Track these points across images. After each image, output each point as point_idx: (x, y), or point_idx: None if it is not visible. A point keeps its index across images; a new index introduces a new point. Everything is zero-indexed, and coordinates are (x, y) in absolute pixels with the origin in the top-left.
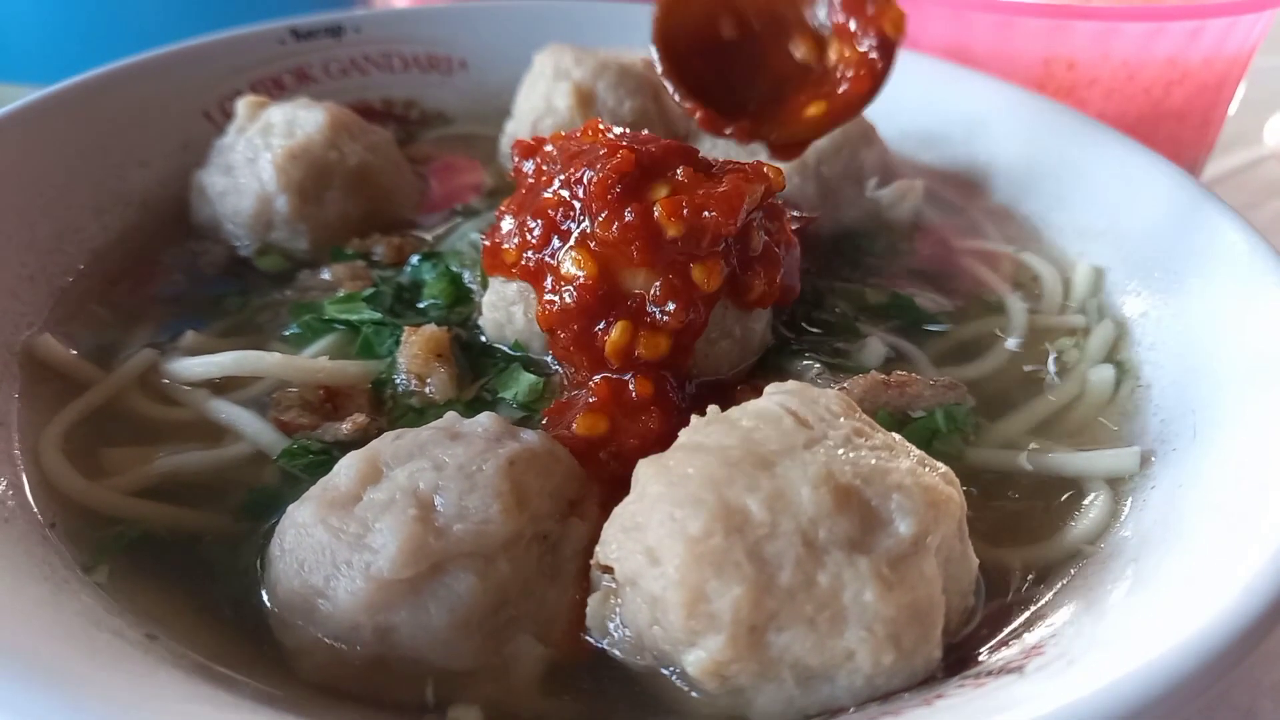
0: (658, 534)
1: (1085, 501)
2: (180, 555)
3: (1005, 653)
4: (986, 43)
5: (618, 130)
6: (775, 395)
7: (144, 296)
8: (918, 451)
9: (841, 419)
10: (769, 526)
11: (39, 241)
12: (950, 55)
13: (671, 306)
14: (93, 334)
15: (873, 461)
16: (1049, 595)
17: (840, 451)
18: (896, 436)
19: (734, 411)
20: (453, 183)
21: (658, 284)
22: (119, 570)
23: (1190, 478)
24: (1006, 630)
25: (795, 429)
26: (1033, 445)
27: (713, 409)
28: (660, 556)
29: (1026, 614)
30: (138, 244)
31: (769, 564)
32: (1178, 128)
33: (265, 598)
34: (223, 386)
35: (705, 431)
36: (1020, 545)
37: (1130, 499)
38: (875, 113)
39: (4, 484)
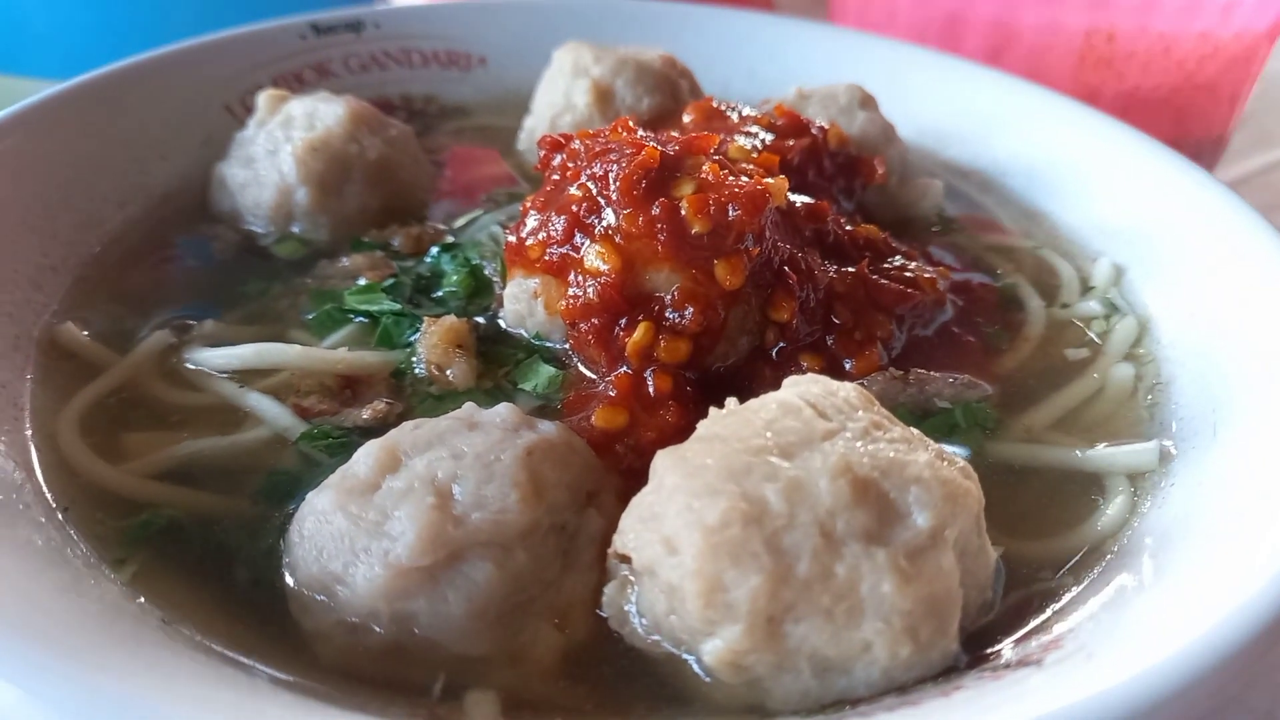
0: (675, 524)
1: (1105, 496)
2: (200, 540)
3: (1024, 645)
4: (1031, 15)
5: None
6: (794, 387)
7: (162, 282)
8: (936, 445)
9: (860, 412)
10: (787, 517)
11: (61, 233)
12: (995, 28)
13: (690, 311)
14: (110, 320)
15: (891, 454)
16: (1068, 589)
17: (859, 444)
18: (915, 430)
19: (753, 403)
20: (470, 173)
21: (676, 288)
22: (144, 560)
23: (1210, 475)
24: (1026, 623)
25: (814, 421)
26: (1053, 440)
27: (731, 401)
28: (678, 546)
29: (1046, 607)
30: (155, 232)
31: (787, 555)
32: (1208, 101)
33: (284, 582)
34: (243, 372)
35: (724, 423)
36: (1040, 539)
37: (1150, 495)
38: (895, 112)
39: (20, 470)
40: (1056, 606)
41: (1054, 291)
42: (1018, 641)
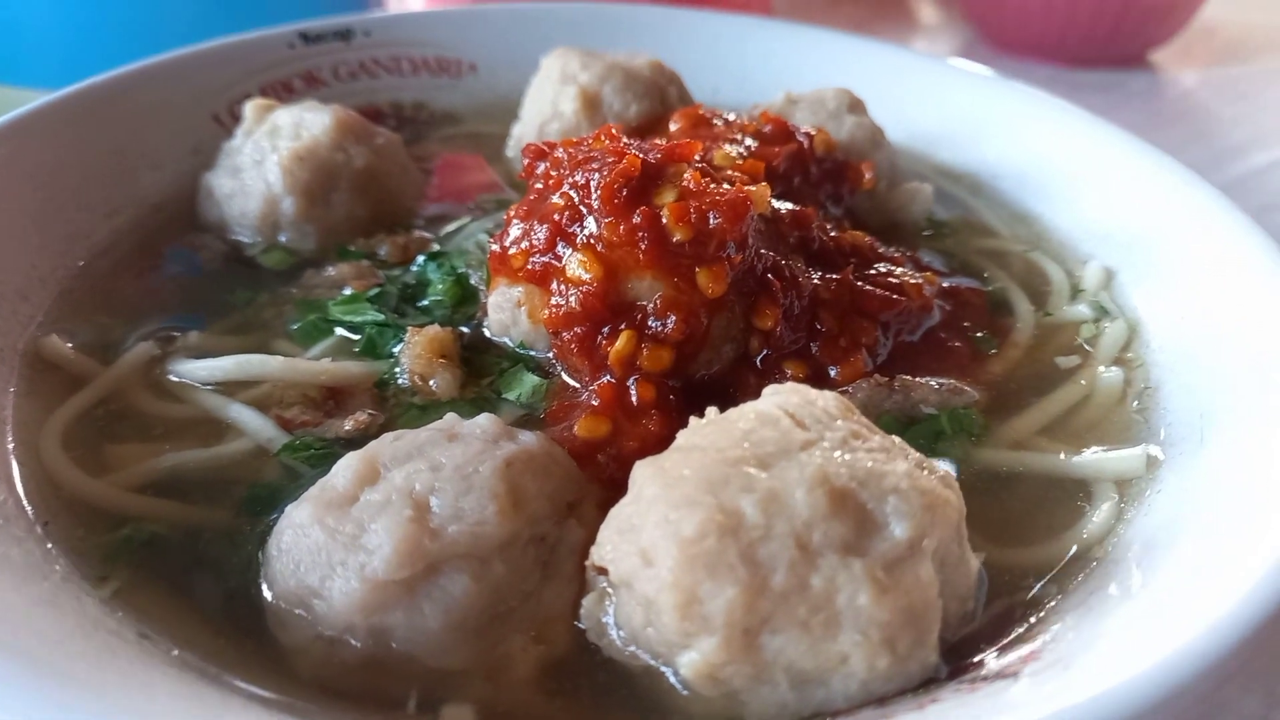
0: (652, 535)
1: (1091, 503)
2: (181, 554)
3: (1005, 656)
4: None
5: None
6: (773, 397)
7: (148, 293)
8: (916, 454)
9: (839, 421)
10: (763, 529)
11: (50, 244)
12: None
13: (673, 319)
14: (96, 331)
15: (869, 464)
16: (1051, 598)
17: (836, 454)
18: (895, 439)
19: (732, 413)
20: (458, 180)
21: (658, 296)
22: (125, 577)
23: (1196, 482)
24: (1008, 633)
25: (791, 431)
26: (1040, 446)
27: (711, 411)
28: (654, 558)
29: (1027, 617)
30: (143, 242)
31: (762, 566)
32: None
33: (263, 595)
34: (226, 383)
35: (703, 433)
36: (1025, 546)
37: (1137, 502)
38: (884, 116)
39: (2, 484)
40: (1039, 615)
41: (1044, 295)
42: (1000, 652)
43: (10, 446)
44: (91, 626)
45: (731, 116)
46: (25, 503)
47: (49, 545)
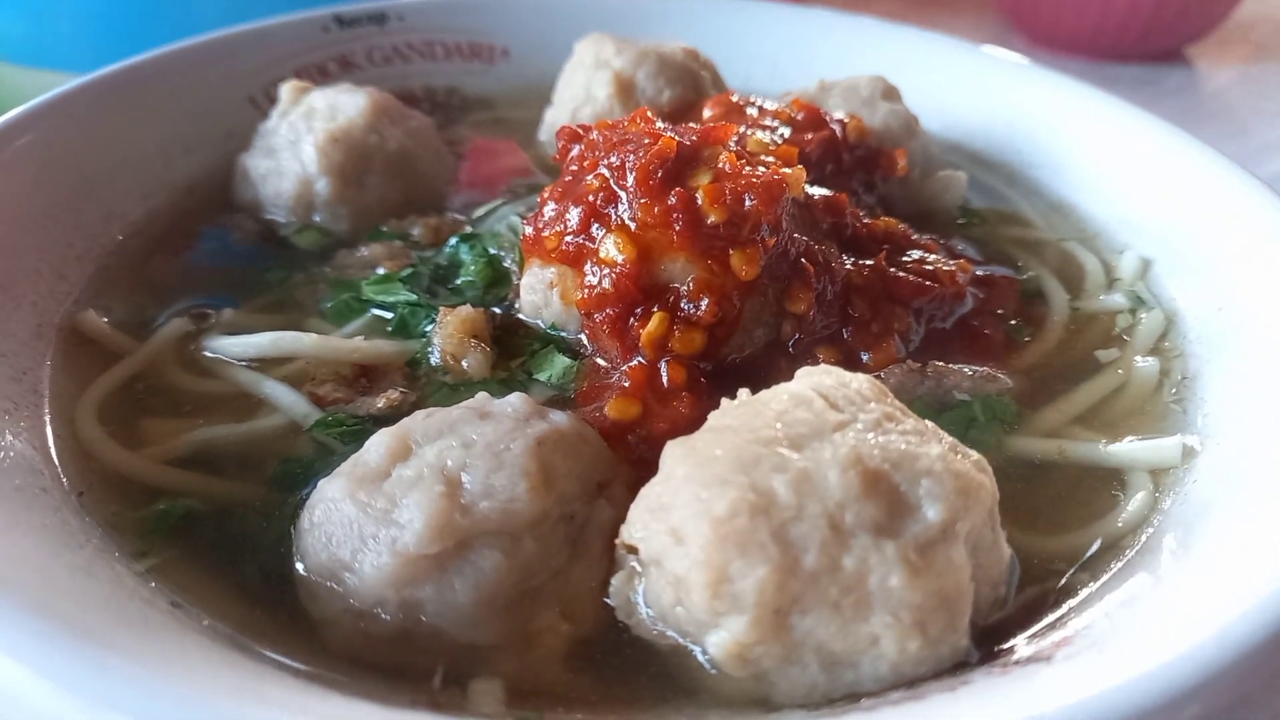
0: (683, 514)
1: (1126, 492)
2: (213, 526)
3: (1037, 642)
4: None
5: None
6: (806, 378)
7: (183, 271)
8: (949, 438)
9: (872, 403)
10: (795, 509)
11: (86, 224)
12: None
13: (705, 302)
14: (131, 308)
15: (902, 446)
16: (1084, 585)
17: (870, 436)
18: (928, 423)
19: (764, 394)
20: (490, 164)
21: (691, 278)
22: (163, 548)
23: (1234, 471)
24: (1040, 619)
25: (825, 412)
26: (1074, 434)
27: (743, 392)
28: (685, 537)
29: (1061, 603)
30: (178, 223)
31: (794, 546)
32: None
33: (294, 568)
34: (260, 360)
35: (735, 414)
36: (1058, 534)
37: (1172, 491)
38: (920, 104)
39: (39, 455)
40: (1072, 603)
41: (1078, 285)
42: (1031, 638)
43: (47, 418)
44: (126, 596)
45: (765, 103)
46: (61, 473)
47: (85, 516)
